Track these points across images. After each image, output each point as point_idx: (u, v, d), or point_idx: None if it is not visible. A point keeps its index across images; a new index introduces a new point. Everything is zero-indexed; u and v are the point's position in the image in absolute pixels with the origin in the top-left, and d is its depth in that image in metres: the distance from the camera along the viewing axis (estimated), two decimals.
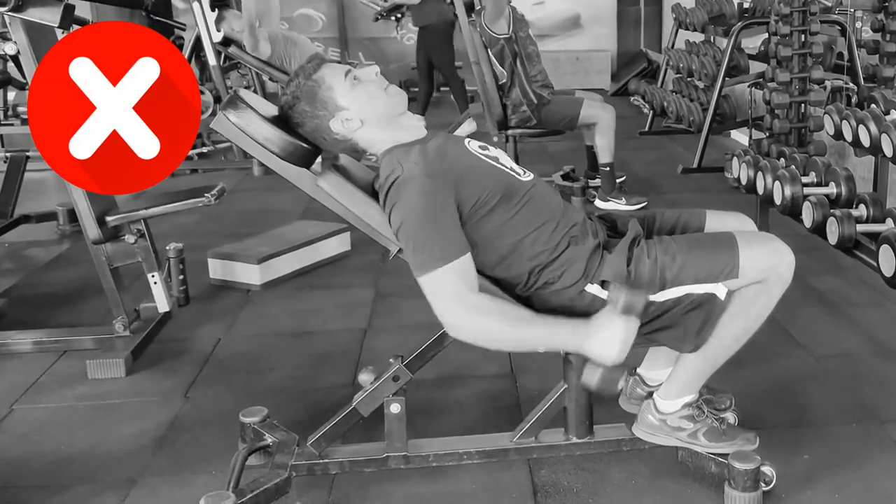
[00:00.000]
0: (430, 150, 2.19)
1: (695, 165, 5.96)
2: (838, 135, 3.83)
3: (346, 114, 2.20)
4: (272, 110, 2.27)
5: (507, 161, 2.31)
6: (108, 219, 3.28)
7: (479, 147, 2.30)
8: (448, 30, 7.79)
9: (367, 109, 2.21)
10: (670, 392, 2.35)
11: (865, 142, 3.57)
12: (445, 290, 2.03)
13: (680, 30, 7.48)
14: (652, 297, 2.17)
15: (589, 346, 2.03)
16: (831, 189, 3.61)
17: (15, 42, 3.20)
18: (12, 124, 6.46)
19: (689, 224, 2.42)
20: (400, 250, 2.21)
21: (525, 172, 2.31)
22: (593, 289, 2.19)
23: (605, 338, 2.02)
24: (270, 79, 6.42)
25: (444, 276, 2.02)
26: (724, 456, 2.31)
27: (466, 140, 2.32)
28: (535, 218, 2.19)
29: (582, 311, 2.19)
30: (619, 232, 2.39)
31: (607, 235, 2.35)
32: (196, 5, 6.12)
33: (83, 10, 4.59)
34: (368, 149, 2.26)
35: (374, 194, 2.24)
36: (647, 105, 7.56)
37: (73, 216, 4.75)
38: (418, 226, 2.05)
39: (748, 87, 5.86)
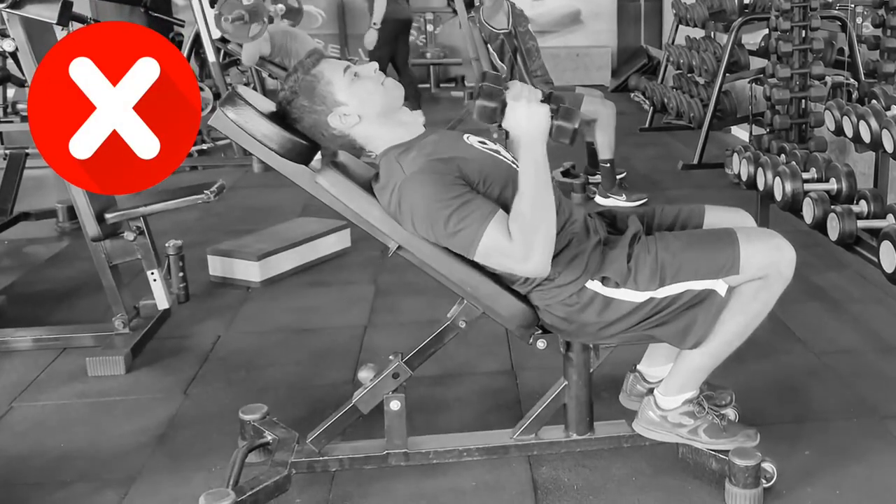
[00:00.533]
0: (427, 146, 2.19)
1: (695, 162, 5.95)
2: (839, 131, 3.82)
3: (345, 109, 2.20)
4: (271, 107, 2.27)
5: (507, 154, 2.30)
6: (108, 216, 3.27)
7: (479, 141, 2.30)
8: (401, 27, 7.72)
9: (366, 105, 2.20)
10: (671, 388, 2.35)
11: (866, 137, 3.57)
12: (501, 247, 2.03)
13: (680, 26, 7.47)
14: (652, 294, 2.17)
15: (528, 136, 2.06)
16: (832, 185, 3.61)
17: (13, 39, 3.19)
18: (12, 121, 6.45)
19: (688, 220, 2.42)
20: (400, 247, 2.21)
21: None
22: (594, 285, 2.19)
23: (523, 114, 2.06)
24: (270, 75, 6.44)
25: (494, 236, 2.03)
26: (725, 452, 2.31)
27: (465, 135, 2.32)
28: None
29: (582, 308, 2.19)
30: (619, 228, 2.39)
31: (607, 232, 2.35)
32: (195, 2, 6.12)
33: (82, 7, 4.58)
34: (366, 145, 2.26)
35: (373, 191, 2.23)
36: (647, 101, 7.55)
37: (72, 213, 4.76)
38: (442, 208, 2.05)
39: (749, 83, 5.85)
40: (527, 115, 2.07)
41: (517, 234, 2.03)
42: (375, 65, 2.26)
